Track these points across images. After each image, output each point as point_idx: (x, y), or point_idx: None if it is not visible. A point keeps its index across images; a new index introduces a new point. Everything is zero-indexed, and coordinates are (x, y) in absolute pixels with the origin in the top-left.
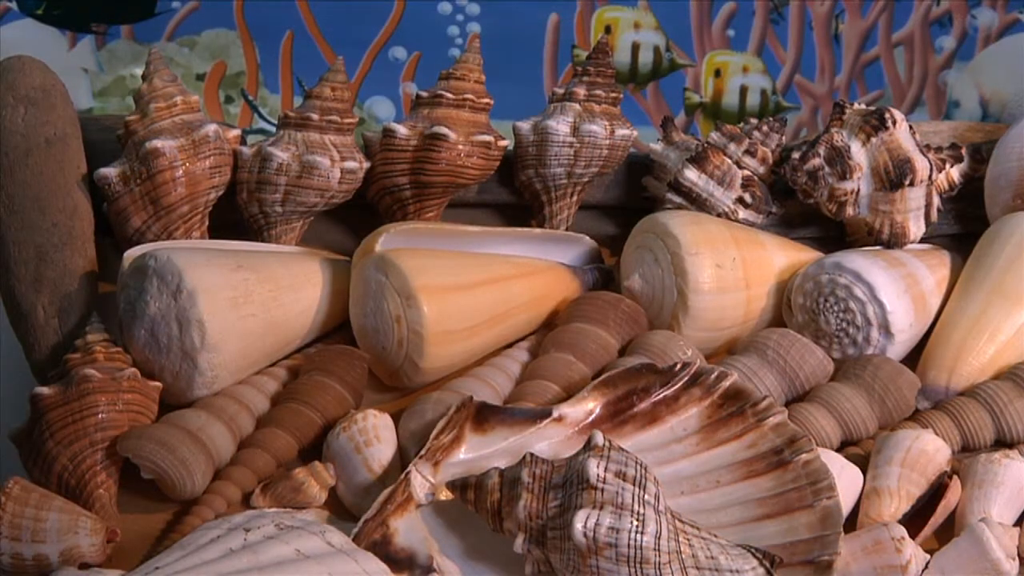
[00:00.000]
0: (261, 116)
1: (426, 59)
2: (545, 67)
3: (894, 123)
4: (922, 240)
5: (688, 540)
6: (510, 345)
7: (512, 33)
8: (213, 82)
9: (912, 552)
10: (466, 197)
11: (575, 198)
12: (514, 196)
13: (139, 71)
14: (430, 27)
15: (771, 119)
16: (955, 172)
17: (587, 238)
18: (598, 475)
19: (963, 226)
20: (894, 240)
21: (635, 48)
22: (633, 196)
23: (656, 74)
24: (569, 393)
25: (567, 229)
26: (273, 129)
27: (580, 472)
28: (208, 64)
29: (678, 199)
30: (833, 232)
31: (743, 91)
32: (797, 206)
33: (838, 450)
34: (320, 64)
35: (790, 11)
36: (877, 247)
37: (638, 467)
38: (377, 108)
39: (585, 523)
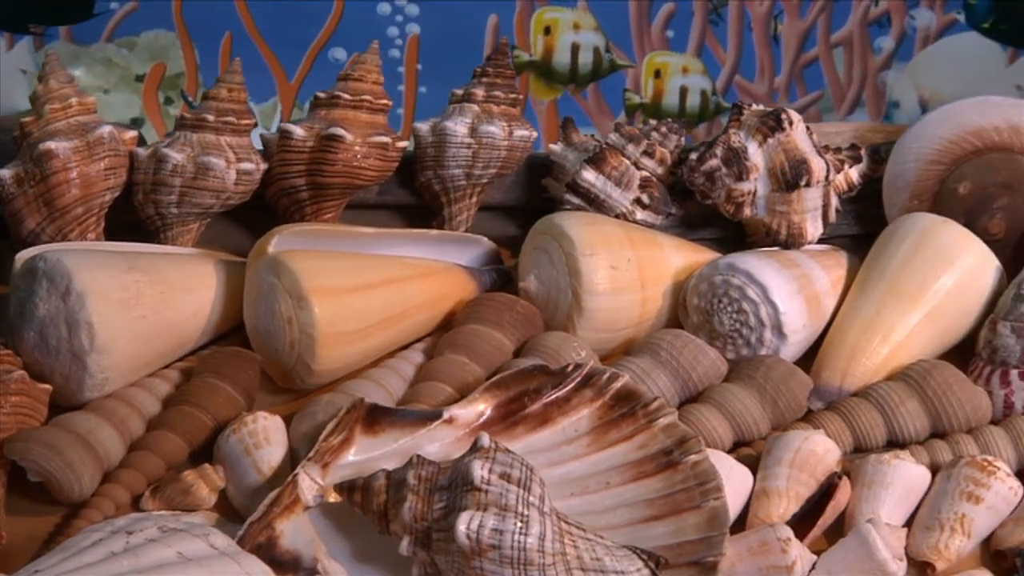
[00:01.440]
0: None
1: None
2: None
3: (790, 124)
4: (822, 241)
5: (573, 541)
6: (406, 347)
7: (451, 34)
8: (152, 83)
9: (798, 553)
10: (366, 198)
11: (474, 199)
12: (415, 197)
13: (78, 72)
14: (369, 28)
15: (669, 120)
16: (854, 173)
17: (485, 239)
18: (482, 477)
19: (863, 227)
20: (791, 241)
21: (575, 49)
22: (534, 197)
23: (596, 75)
24: (463, 395)
25: (467, 230)
26: None
27: (465, 474)
28: (147, 65)
29: (576, 200)
30: (733, 233)
31: (683, 92)
32: (697, 207)
33: (731, 451)
34: (259, 65)
35: (729, 12)
36: (775, 248)
37: (524, 469)
38: None
39: (468, 525)
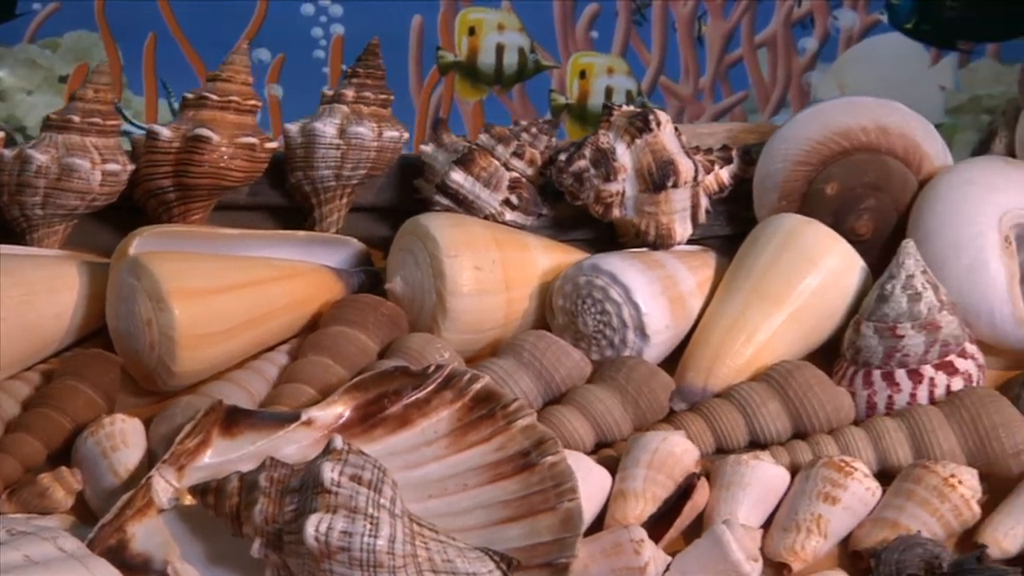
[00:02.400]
0: (125, 118)
1: (290, 61)
2: (411, 69)
3: (658, 125)
4: (694, 241)
5: (425, 543)
6: (271, 349)
7: (376, 35)
8: (76, 84)
9: (651, 554)
10: (237, 199)
11: (345, 200)
12: (287, 198)
13: (2, 73)
14: (294, 29)
15: (541, 120)
16: (725, 174)
17: (355, 240)
18: (332, 479)
19: (735, 227)
20: (660, 241)
21: (499, 50)
22: (406, 198)
23: (521, 76)
24: (325, 396)
25: (338, 231)
26: (138, 131)
27: (315, 476)
28: (71, 66)
29: (446, 201)
30: (604, 234)
31: (608, 92)
32: (568, 208)
33: (592, 452)
34: (183, 66)
35: (653, 12)
36: (644, 249)
37: (375, 471)
38: None
39: (317, 527)
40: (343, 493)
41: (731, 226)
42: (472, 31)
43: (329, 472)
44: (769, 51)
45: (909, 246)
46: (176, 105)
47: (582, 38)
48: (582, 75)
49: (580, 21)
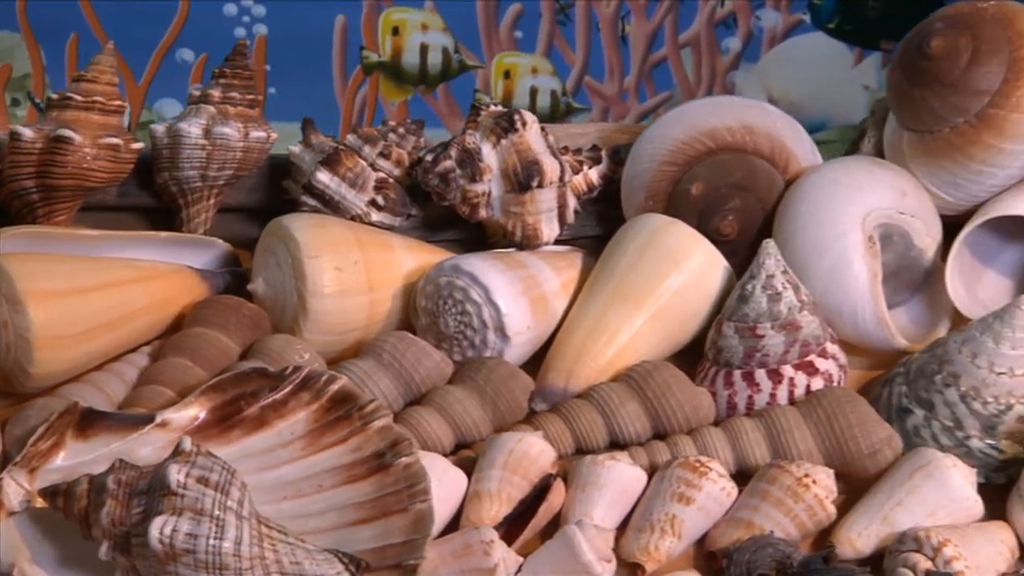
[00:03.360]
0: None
1: (213, 61)
2: (335, 69)
3: (524, 125)
4: (565, 242)
5: (273, 545)
6: (133, 350)
7: (300, 35)
8: (0, 85)
9: (501, 555)
10: (106, 200)
11: (212, 201)
12: (156, 199)
13: None
14: (216, 29)
15: (408, 121)
16: (594, 174)
17: (220, 241)
18: (179, 481)
19: (605, 228)
20: (527, 242)
21: (423, 49)
22: (275, 199)
23: (446, 75)
24: (184, 398)
25: (207, 232)
26: None
27: (161, 478)
28: None
29: (313, 202)
30: (474, 234)
31: (533, 92)
32: (438, 209)
33: (452, 453)
34: None
35: (576, 12)
36: (511, 249)
37: (223, 473)
38: (166, 110)
39: (162, 530)
40: (189, 495)
41: (602, 226)
42: (396, 31)
43: (175, 474)
44: (693, 51)
45: (769, 246)
46: None
47: (506, 38)
48: (506, 75)
49: (504, 21)
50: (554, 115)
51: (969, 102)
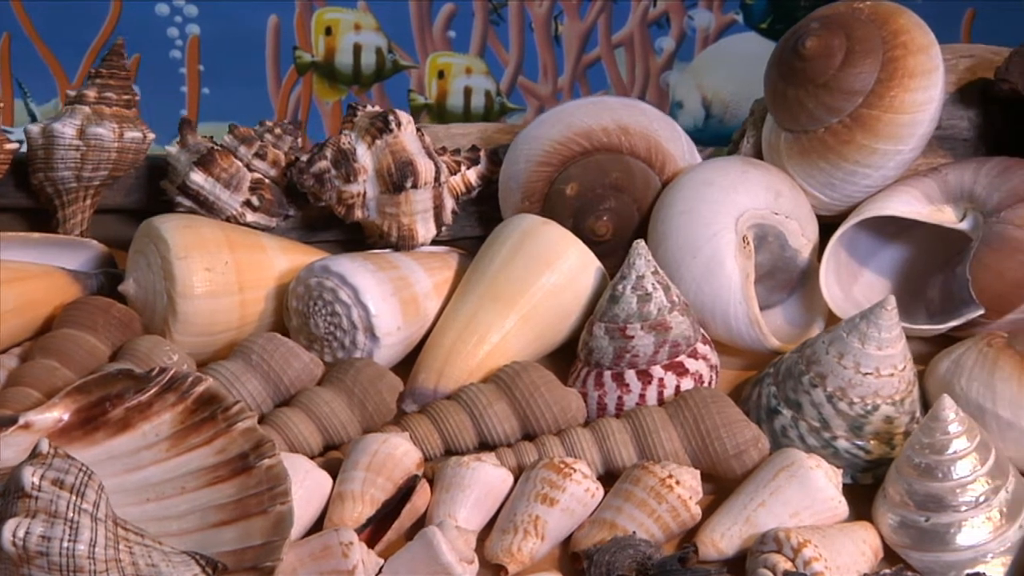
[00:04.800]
0: None
1: (146, 61)
2: (268, 69)
3: (399, 125)
4: (446, 242)
5: (129, 548)
6: (4, 352)
7: (233, 35)
8: None
9: (360, 557)
10: None
11: (89, 201)
12: (33, 200)
13: None
14: (149, 29)
15: (285, 122)
16: (472, 174)
17: (95, 242)
18: (33, 483)
19: (486, 229)
20: (403, 242)
21: (357, 50)
22: (153, 200)
23: (379, 75)
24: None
25: (83, 233)
26: None
27: (16, 481)
28: None
29: (188, 203)
30: (354, 235)
31: (467, 92)
32: (318, 209)
33: (321, 454)
34: (40, 66)
35: (509, 12)
36: (388, 250)
37: (80, 475)
38: None
39: (14, 532)
40: (43, 497)
41: (482, 227)
42: (329, 31)
43: (30, 476)
44: (626, 51)
45: (640, 247)
46: (33, 105)
47: (439, 38)
48: (440, 75)
49: (437, 21)
50: (488, 115)
51: (842, 102)
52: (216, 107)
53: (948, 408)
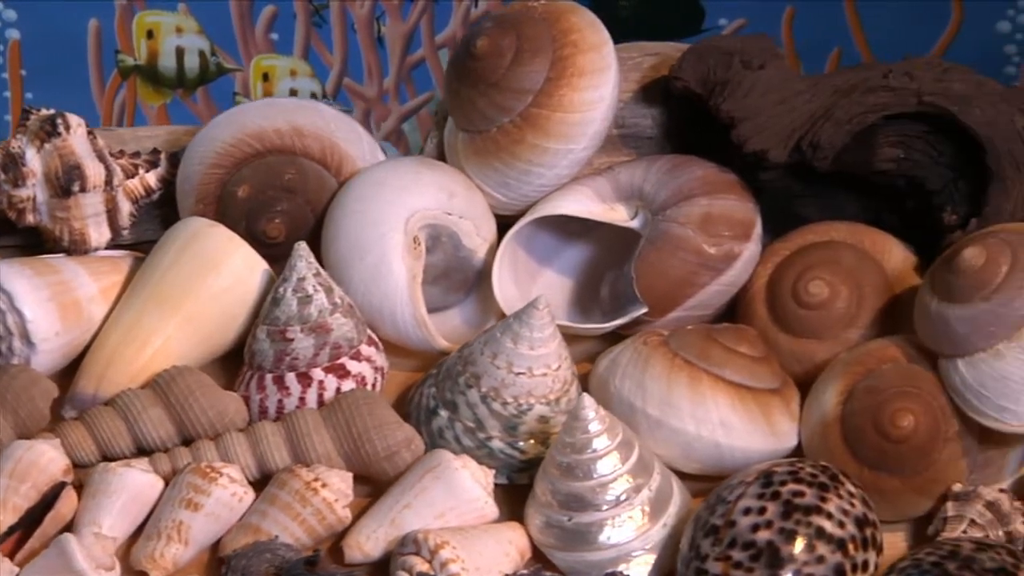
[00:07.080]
0: None
1: None
2: (91, 72)
3: (67, 129)
4: (129, 246)
5: None
6: None
7: (54, 39)
8: None
9: None
10: None
11: None
12: None
13: None
14: None
15: None
16: (151, 177)
17: None
18: None
19: None
20: (75, 247)
21: (180, 53)
22: None
23: (204, 79)
24: None
25: None
26: None
27: None
28: None
29: None
30: (33, 240)
31: (293, 95)
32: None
33: None
34: None
35: (331, 14)
36: (59, 255)
37: None
38: None
39: None
40: None
41: (166, 230)
42: (150, 34)
43: None
44: (450, 51)
45: (301, 248)
46: None
47: (262, 40)
48: (265, 78)
49: (259, 23)
50: None
51: (512, 101)
52: None
53: (588, 407)
